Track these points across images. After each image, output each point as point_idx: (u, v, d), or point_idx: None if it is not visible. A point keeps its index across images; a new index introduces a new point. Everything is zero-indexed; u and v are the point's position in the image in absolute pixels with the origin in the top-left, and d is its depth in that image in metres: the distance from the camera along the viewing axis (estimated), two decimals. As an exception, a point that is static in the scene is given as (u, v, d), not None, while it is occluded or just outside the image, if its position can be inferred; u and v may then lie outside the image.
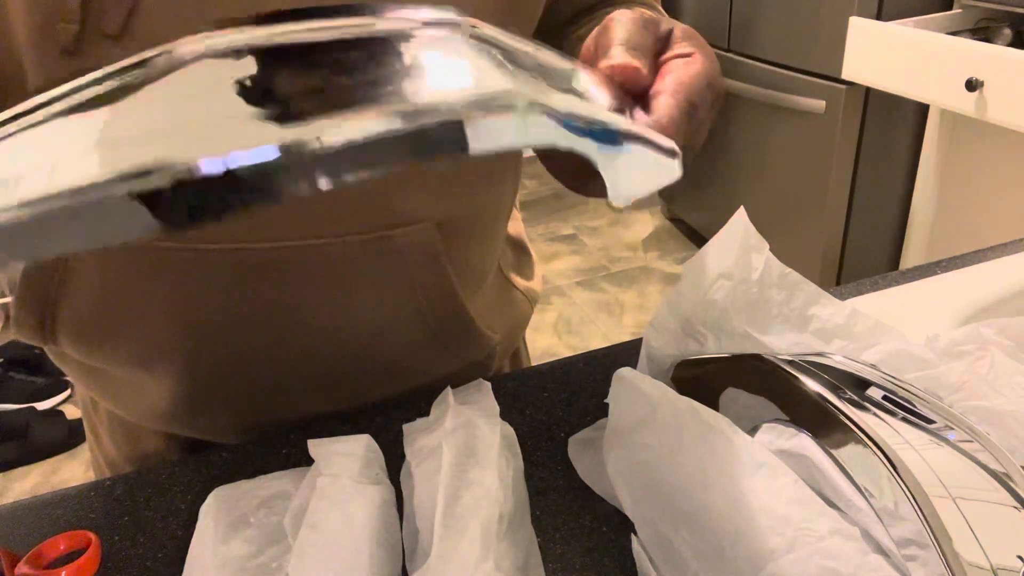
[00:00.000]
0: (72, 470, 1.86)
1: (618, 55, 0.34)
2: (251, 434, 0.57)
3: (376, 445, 0.49)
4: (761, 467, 0.39)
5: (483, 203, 0.56)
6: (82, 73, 0.28)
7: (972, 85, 1.46)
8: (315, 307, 0.51)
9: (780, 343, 0.50)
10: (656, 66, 0.35)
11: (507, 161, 0.56)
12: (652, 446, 0.43)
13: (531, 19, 0.51)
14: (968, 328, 0.51)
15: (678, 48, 0.36)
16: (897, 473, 0.36)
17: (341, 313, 0.52)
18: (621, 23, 0.36)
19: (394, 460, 0.49)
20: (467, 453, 0.44)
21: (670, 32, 0.37)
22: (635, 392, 0.45)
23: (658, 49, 0.36)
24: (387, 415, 0.55)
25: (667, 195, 2.73)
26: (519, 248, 0.68)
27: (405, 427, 0.51)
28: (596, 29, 0.37)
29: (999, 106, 1.45)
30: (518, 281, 0.66)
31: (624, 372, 0.46)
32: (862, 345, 0.50)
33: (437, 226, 0.51)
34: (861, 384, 0.42)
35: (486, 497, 0.41)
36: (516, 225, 0.67)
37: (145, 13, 0.40)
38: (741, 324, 0.51)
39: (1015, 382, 0.46)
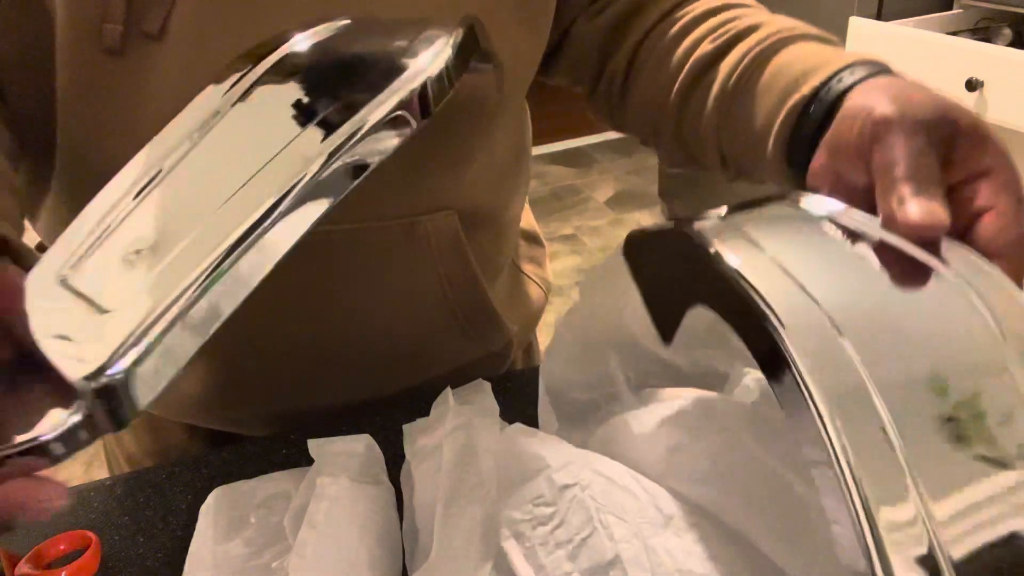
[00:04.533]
0: (72, 470, 1.86)
1: (915, 209, 0.28)
2: (276, 426, 0.58)
3: (376, 445, 0.49)
4: (671, 521, 0.34)
5: (499, 194, 0.59)
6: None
7: (972, 85, 1.46)
8: (349, 292, 0.53)
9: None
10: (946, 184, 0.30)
11: (520, 153, 0.60)
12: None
13: (546, 12, 0.52)
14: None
15: (971, 162, 0.32)
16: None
17: (373, 299, 0.54)
18: (902, 145, 0.30)
19: (394, 460, 0.49)
20: (467, 453, 0.44)
21: (953, 137, 0.32)
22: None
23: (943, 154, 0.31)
24: (387, 415, 0.55)
25: (667, 195, 2.73)
26: (531, 239, 0.71)
27: (405, 427, 0.51)
28: (862, 132, 0.32)
29: (999, 106, 1.45)
30: (532, 270, 0.69)
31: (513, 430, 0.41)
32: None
33: (459, 215, 0.54)
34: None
35: (486, 497, 0.41)
36: (527, 217, 0.70)
37: (182, 13, 0.43)
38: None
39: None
